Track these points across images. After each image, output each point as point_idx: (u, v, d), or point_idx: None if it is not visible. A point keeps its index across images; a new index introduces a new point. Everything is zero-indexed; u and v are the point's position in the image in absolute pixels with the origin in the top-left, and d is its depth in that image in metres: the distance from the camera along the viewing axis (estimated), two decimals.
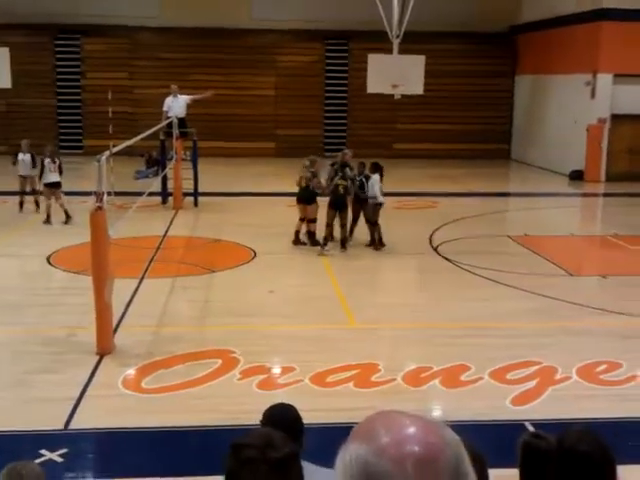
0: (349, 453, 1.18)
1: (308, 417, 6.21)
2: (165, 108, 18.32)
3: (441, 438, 1.16)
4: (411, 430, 1.16)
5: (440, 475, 1.11)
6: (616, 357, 7.98)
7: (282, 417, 3.37)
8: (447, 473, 1.12)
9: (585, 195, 20.82)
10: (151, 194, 15.74)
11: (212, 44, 25.48)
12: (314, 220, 12.95)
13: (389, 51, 20.29)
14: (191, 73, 24.78)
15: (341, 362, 7.76)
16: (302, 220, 13.09)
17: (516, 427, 6.21)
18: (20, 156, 15.39)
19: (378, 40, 21.07)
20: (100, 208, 8.00)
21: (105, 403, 6.89)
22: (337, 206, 12.42)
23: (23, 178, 15.48)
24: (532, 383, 7.33)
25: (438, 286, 11.12)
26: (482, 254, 12.48)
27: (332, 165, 13.16)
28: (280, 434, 2.47)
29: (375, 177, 12.72)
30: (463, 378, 7.46)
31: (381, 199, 12.67)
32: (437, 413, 7.06)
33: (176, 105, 18.20)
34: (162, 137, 17.39)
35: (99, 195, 8.16)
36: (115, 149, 9.52)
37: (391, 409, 1.25)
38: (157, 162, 19.19)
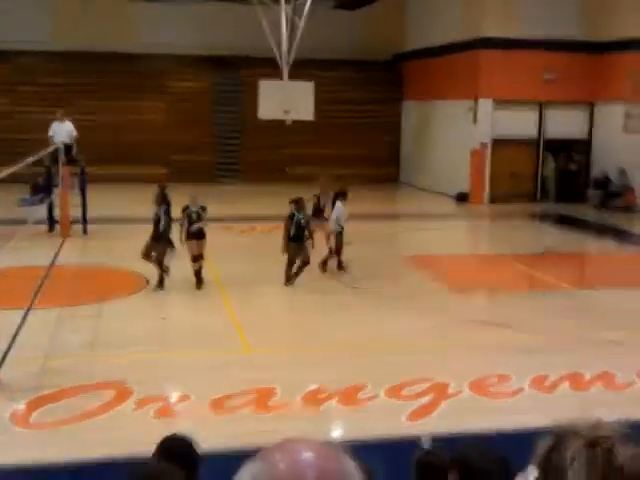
0: (244, 472, 1.19)
1: (207, 444, 6.14)
2: (51, 133, 17.77)
3: (335, 465, 1.17)
4: (306, 455, 1.18)
5: None
6: (504, 370, 8.28)
7: (175, 448, 3.33)
8: None
9: (470, 216, 21.61)
10: (37, 222, 15.22)
11: (100, 69, 24.99)
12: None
13: (279, 77, 20.50)
14: (79, 98, 24.20)
15: (237, 388, 7.69)
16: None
17: (412, 442, 6.32)
18: None
19: (268, 66, 21.25)
20: None
21: None
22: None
23: None
24: (426, 399, 7.50)
25: (332, 307, 11.24)
26: (375, 274, 12.71)
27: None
28: (170, 468, 2.45)
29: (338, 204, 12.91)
30: (360, 396, 7.56)
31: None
32: (336, 432, 7.11)
33: (62, 130, 17.70)
34: (48, 163, 16.87)
35: None
36: None
37: (296, 437, 1.27)
38: (43, 189, 18.52)
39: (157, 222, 11.71)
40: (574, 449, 1.48)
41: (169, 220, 11.78)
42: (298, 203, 12.41)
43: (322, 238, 12.94)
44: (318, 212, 13.77)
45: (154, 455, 3.45)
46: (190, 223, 11.82)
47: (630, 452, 2.95)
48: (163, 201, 11.87)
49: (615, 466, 1.45)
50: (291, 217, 12.19)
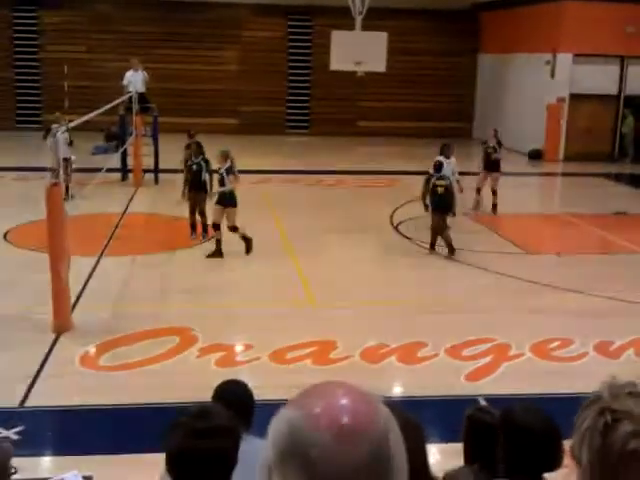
0: (279, 418, 1.21)
1: (266, 394, 6.29)
2: (125, 82, 18.06)
3: (370, 413, 1.18)
4: (341, 400, 1.18)
5: (360, 447, 1.15)
6: (569, 334, 8.16)
7: (231, 394, 3.41)
8: (368, 448, 1.15)
9: (543, 174, 21.09)
10: (110, 170, 15.60)
11: (173, 18, 25.10)
12: None
13: (352, 27, 20.21)
14: (152, 47, 24.43)
15: (299, 340, 7.82)
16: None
17: (469, 402, 6.34)
18: None
19: (341, 16, 20.96)
20: (56, 184, 7.91)
21: (62, 381, 6.87)
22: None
23: None
24: (486, 359, 7.48)
25: (396, 265, 11.23)
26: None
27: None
28: (222, 409, 2.53)
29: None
30: (420, 355, 7.59)
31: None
32: (394, 389, 7.18)
33: (136, 79, 17.95)
34: (122, 112, 17.19)
35: (55, 171, 8.08)
36: (72, 124, 9.41)
37: (333, 380, 1.29)
38: (116, 137, 18.93)
39: (197, 173, 11.62)
40: (585, 414, 1.51)
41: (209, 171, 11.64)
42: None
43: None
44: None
45: (212, 398, 3.55)
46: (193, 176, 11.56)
47: (520, 407, 2.92)
48: (200, 152, 11.80)
49: (607, 442, 1.45)
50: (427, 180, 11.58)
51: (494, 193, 14.46)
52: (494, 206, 14.48)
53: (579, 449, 1.51)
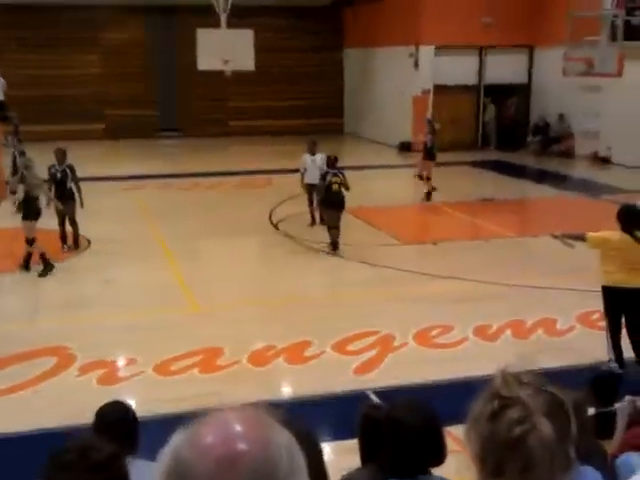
0: (166, 449, 1.15)
1: (153, 408, 6.12)
2: None
3: (258, 439, 1.12)
4: (228, 427, 1.12)
5: (243, 477, 1.08)
6: (448, 320, 8.39)
7: (112, 418, 3.29)
8: (252, 476, 1.09)
9: (413, 166, 21.64)
10: None
11: (28, 22, 23.97)
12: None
13: (217, 25, 19.99)
14: (6, 52, 23.23)
15: (185, 348, 7.63)
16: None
17: (359, 398, 6.40)
18: None
19: (205, 14, 20.69)
20: None
21: None
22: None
23: None
24: (372, 352, 7.57)
25: (278, 264, 11.21)
26: (321, 227, 12.63)
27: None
28: (99, 437, 2.42)
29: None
30: (306, 353, 7.58)
31: None
32: (284, 390, 7.14)
33: None
34: None
35: None
36: None
37: (230, 406, 1.21)
38: None
39: (63, 181, 11.20)
40: (476, 402, 1.51)
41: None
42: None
43: None
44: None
45: (93, 424, 3.40)
46: (57, 184, 11.12)
47: (402, 404, 3.03)
48: (64, 160, 11.39)
49: (494, 429, 1.46)
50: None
51: (429, 179, 15.25)
52: (429, 193, 15.22)
53: (470, 437, 1.50)
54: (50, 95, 24.31)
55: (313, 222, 13.00)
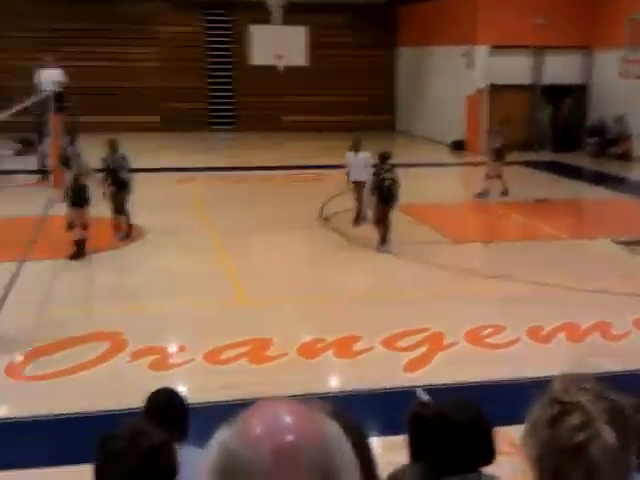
0: (215, 442, 1.13)
1: (201, 396, 6.18)
2: (36, 80, 17.40)
3: (311, 429, 1.11)
4: (280, 419, 1.11)
5: (302, 468, 1.06)
6: (500, 321, 8.28)
7: (163, 404, 3.31)
8: (310, 467, 1.07)
9: (465, 164, 21.45)
10: (29, 172, 15.09)
11: (89, 14, 24.40)
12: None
13: (272, 22, 20.08)
14: (66, 44, 23.69)
15: (234, 339, 7.68)
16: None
17: (407, 395, 6.36)
18: None
19: (260, 10, 20.80)
20: None
21: None
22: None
23: None
24: (422, 349, 7.51)
25: (328, 258, 11.21)
26: (370, 224, 12.59)
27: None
28: (150, 423, 2.44)
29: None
30: (356, 348, 7.56)
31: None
32: (332, 384, 7.13)
33: (50, 77, 17.34)
34: (37, 112, 16.60)
35: None
36: None
37: (276, 398, 1.20)
38: (32, 143, 18.14)
39: (115, 170, 11.42)
40: (536, 407, 1.49)
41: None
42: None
43: None
44: None
45: (143, 409, 3.44)
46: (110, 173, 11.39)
47: (450, 402, 2.97)
48: (117, 150, 11.60)
49: (554, 434, 1.42)
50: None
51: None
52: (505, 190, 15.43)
53: (528, 442, 1.48)
54: (108, 87, 24.70)
55: (357, 220, 12.71)
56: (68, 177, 11.17)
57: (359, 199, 12.62)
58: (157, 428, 2.43)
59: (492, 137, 16.24)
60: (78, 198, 10.65)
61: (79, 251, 10.56)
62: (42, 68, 17.60)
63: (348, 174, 12.64)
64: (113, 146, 11.56)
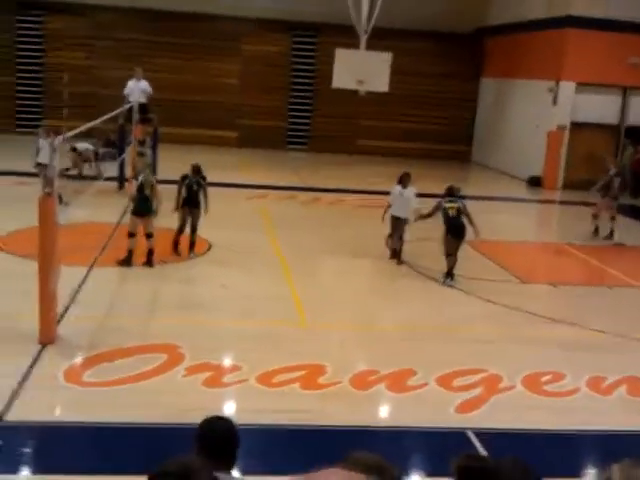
0: None
1: (252, 418, 6.21)
2: (126, 91, 18.01)
3: None
4: None
5: None
6: (561, 368, 8.06)
7: (216, 433, 3.31)
8: None
9: (542, 202, 21.05)
10: (108, 179, 15.54)
11: (176, 28, 25.11)
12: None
13: (356, 46, 20.23)
14: (154, 56, 24.42)
15: (289, 362, 7.70)
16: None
17: (458, 435, 6.24)
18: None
19: (346, 34, 21.00)
20: (49, 194, 7.82)
21: (45, 395, 6.73)
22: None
23: None
24: (477, 391, 7.37)
25: (391, 288, 11.15)
26: (436, 257, 12.46)
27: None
28: (199, 459, 2.45)
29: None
30: (409, 383, 7.47)
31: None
32: (382, 417, 7.06)
33: (138, 89, 17.90)
34: (121, 121, 17.12)
35: (49, 180, 7.99)
36: (71, 133, 9.33)
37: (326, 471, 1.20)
38: (114, 144, 18.76)
39: (195, 192, 11.68)
40: None
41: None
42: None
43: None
44: None
45: (196, 436, 3.43)
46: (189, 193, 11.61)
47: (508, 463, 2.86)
48: (199, 173, 11.82)
49: None
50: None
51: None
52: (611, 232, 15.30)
53: None
54: (190, 100, 25.31)
55: (393, 256, 12.37)
56: (134, 186, 11.46)
57: (394, 235, 12.31)
58: (206, 461, 2.43)
59: (605, 167, 16.02)
60: (141, 207, 10.93)
61: (128, 259, 10.92)
62: (131, 79, 18.17)
63: (388, 207, 12.33)
64: (196, 170, 11.79)
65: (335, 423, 6.53)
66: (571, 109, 21.85)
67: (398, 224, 12.25)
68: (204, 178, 11.81)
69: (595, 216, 15.53)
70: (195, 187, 11.67)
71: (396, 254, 12.33)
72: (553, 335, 9.32)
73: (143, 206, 11.01)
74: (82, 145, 16.80)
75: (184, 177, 11.76)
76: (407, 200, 12.15)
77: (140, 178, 11.24)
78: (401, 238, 12.29)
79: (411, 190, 12.28)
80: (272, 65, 26.05)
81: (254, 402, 6.81)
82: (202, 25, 25.25)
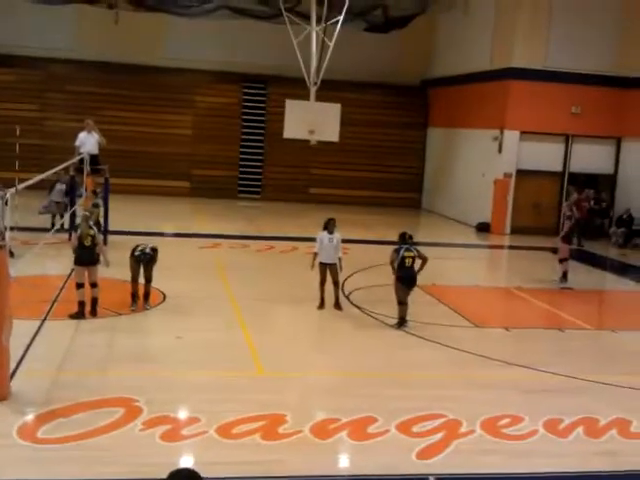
0: None
1: (213, 470, 6.12)
2: (77, 143, 17.90)
3: None
4: None
5: None
6: (518, 411, 8.15)
7: None
8: None
9: (491, 247, 21.46)
10: (59, 230, 15.34)
11: (129, 80, 25.23)
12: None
13: (306, 97, 20.57)
14: (105, 108, 24.42)
15: (248, 412, 7.63)
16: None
17: None
18: None
19: (296, 85, 21.37)
20: (0, 247, 7.69)
21: None
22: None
23: None
24: (437, 436, 7.39)
25: (348, 335, 11.17)
26: (391, 303, 12.56)
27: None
28: None
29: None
30: (370, 430, 7.46)
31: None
32: (343, 466, 7.02)
33: (89, 141, 17.81)
34: (72, 173, 16.99)
35: (0, 233, 7.86)
36: (22, 185, 9.23)
37: None
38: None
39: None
40: None
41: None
42: None
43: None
44: None
45: None
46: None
47: None
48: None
49: None
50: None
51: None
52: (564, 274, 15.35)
53: None
54: (142, 151, 25.34)
55: (322, 304, 12.37)
56: (74, 238, 11.31)
57: (324, 282, 12.30)
58: None
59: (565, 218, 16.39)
60: (83, 257, 10.85)
61: (81, 312, 10.78)
62: (82, 131, 18.08)
63: (316, 254, 12.31)
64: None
65: (297, 474, 6.47)
66: (516, 157, 22.48)
67: (331, 270, 12.25)
68: (155, 251, 11.73)
69: (564, 260, 15.46)
70: (142, 257, 11.57)
71: (336, 302, 12.36)
72: (508, 378, 9.44)
73: (85, 256, 10.90)
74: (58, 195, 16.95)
75: (134, 248, 11.67)
76: (337, 245, 12.25)
77: (79, 230, 11.11)
78: (336, 284, 12.33)
79: (337, 235, 12.38)
80: (224, 116, 26.29)
81: (214, 455, 6.71)
82: (154, 77, 25.43)
